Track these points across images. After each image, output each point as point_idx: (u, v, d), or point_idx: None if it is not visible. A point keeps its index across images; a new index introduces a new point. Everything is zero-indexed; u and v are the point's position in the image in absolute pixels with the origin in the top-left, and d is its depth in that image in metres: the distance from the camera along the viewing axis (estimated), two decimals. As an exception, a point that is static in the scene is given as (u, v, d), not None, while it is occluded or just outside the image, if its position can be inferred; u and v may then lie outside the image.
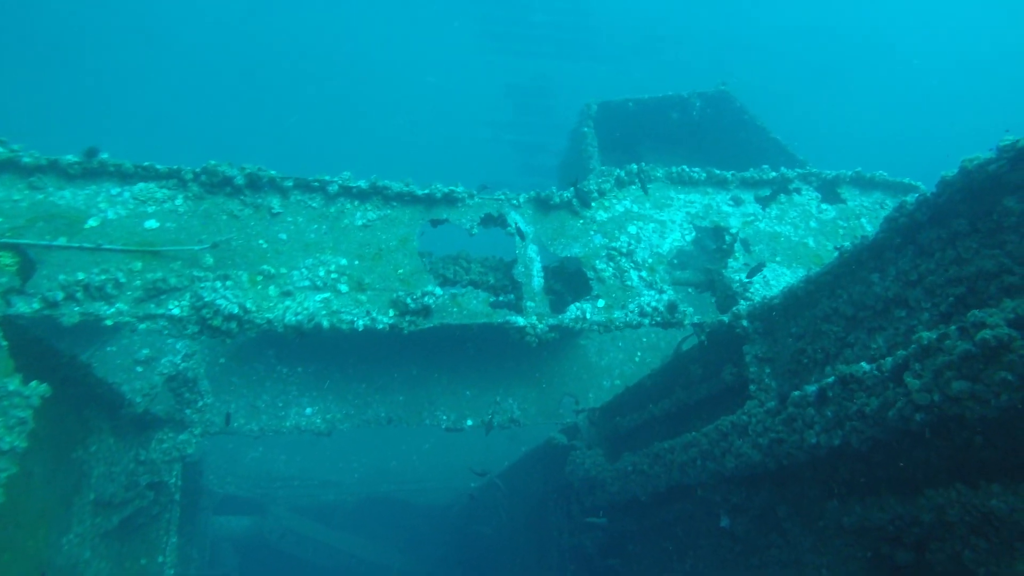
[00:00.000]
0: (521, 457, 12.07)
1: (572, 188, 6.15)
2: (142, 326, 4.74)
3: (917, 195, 4.14)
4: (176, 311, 4.81)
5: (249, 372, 9.41)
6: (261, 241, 5.37)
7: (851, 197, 6.95)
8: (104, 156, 5.30)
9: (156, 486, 6.85)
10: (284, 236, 5.45)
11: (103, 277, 4.74)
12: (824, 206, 6.84)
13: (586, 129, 10.20)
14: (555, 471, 9.76)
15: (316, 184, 5.61)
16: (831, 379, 4.40)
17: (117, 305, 4.74)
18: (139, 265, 4.96)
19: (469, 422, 9.96)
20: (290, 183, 5.53)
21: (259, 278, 5.22)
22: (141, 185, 5.35)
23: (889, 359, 3.92)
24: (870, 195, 7.00)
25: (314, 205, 5.63)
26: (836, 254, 6.81)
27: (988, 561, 3.48)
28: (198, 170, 5.44)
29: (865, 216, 6.80)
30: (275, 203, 5.52)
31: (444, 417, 9.93)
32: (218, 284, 4.94)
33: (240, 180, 5.38)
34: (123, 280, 4.80)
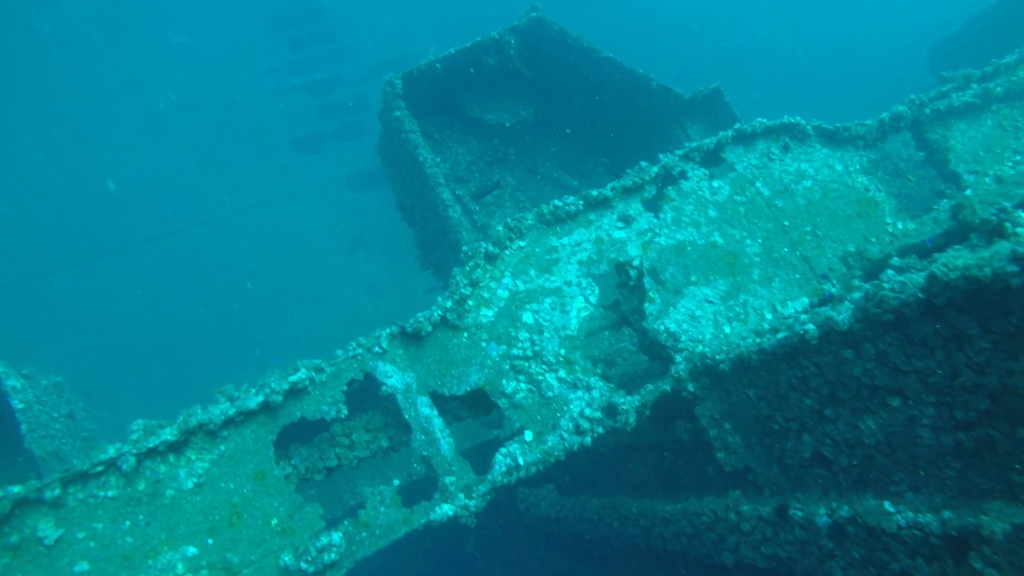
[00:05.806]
0: None
1: (437, 307, 4.71)
2: None
3: (897, 286, 3.24)
4: None
5: None
6: (54, 592, 3.62)
7: (737, 158, 5.99)
8: None
9: None
10: (86, 565, 3.71)
11: None
12: (716, 183, 5.86)
13: (398, 113, 8.29)
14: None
15: (99, 468, 3.78)
16: (846, 512, 3.73)
17: None
18: None
19: (396, 481, 8.85)
20: (56, 490, 3.67)
21: (79, 648, 3.56)
22: None
23: (934, 520, 3.24)
24: (754, 148, 6.08)
25: (111, 494, 3.84)
26: (747, 242, 6.02)
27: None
28: None
29: (759, 179, 5.92)
30: (45, 527, 3.68)
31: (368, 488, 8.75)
32: None
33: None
34: None
